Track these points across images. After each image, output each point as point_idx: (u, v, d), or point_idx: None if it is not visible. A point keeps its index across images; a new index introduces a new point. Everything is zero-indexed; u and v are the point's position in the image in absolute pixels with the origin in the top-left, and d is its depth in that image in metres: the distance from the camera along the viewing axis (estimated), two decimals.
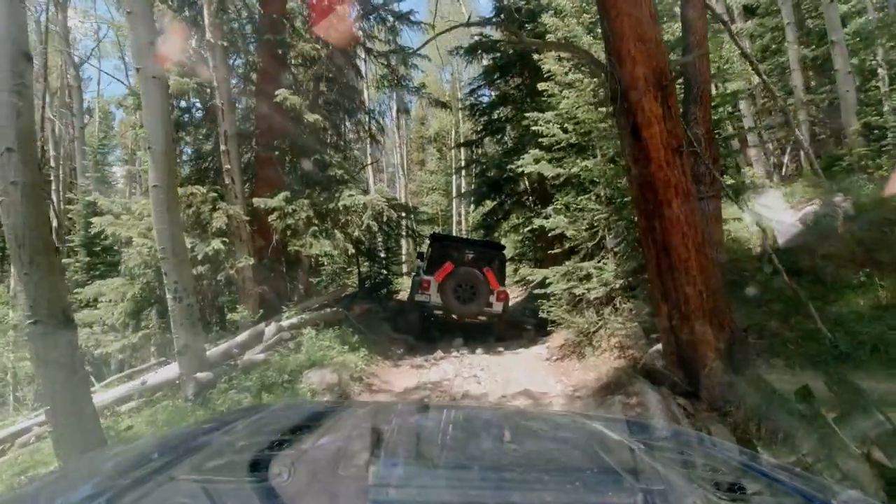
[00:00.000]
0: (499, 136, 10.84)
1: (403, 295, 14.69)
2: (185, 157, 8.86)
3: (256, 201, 7.23)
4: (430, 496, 0.67)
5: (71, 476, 0.83)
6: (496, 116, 11.00)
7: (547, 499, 0.66)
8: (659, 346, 5.63)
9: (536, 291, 9.61)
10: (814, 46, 10.97)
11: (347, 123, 10.48)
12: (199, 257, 6.67)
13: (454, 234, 25.91)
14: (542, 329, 10.32)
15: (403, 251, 23.89)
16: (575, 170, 7.46)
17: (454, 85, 36.50)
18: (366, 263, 13.44)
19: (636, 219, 4.42)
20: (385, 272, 13.25)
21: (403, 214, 10.94)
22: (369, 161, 14.29)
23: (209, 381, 4.64)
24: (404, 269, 23.63)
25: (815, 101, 11.14)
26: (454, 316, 8.59)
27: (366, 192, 7.84)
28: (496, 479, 0.74)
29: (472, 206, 11.32)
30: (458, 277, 8.20)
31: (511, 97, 10.55)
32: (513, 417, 1.30)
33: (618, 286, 7.09)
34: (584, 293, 7.10)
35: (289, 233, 7.74)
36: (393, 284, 13.59)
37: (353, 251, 12.07)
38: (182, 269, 4.76)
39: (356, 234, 7.59)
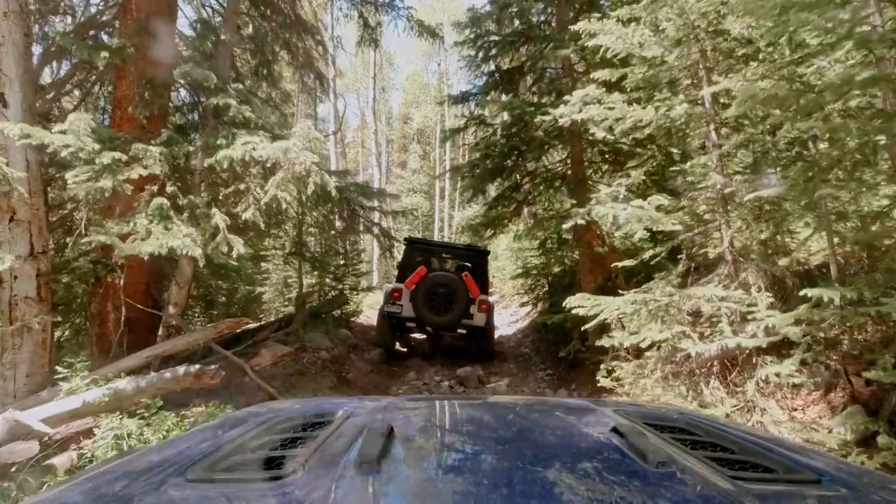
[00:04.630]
0: (511, 93, 7.23)
1: (366, 318, 10.89)
2: None
3: (4, 129, 3.40)
4: (445, 488, 0.65)
5: (81, 484, 0.72)
6: (508, 63, 7.43)
7: (560, 484, 0.64)
8: None
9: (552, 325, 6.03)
10: None
11: (283, 53, 6.77)
12: None
13: (438, 239, 22.22)
14: (565, 381, 6.80)
15: (375, 259, 20.04)
16: (679, 110, 3.90)
17: (441, 81, 33.22)
18: (314, 273, 9.62)
19: None
20: (339, 286, 9.42)
21: (374, 203, 7.20)
22: (331, 130, 10.46)
23: None
24: (375, 281, 19.71)
25: None
26: (429, 329, 7.35)
27: (275, 137, 4.08)
28: (510, 467, 0.71)
29: (466, 194, 7.66)
30: (431, 283, 6.88)
31: (532, 35, 6.97)
32: (525, 405, 1.18)
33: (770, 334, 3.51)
34: (700, 352, 3.50)
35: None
36: (351, 303, 9.76)
37: (282, 251, 8.36)
38: None
39: (249, 214, 3.82)
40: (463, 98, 7.03)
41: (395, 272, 8.42)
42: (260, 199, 3.82)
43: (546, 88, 6.73)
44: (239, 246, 3.76)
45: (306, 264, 8.46)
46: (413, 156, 33.60)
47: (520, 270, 9.91)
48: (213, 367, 3.74)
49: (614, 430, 0.82)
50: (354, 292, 9.97)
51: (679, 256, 4.28)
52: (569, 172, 6.99)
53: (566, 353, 6.04)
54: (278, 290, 12.91)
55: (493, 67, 7.64)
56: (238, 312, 10.88)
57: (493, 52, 7.22)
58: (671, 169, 5.15)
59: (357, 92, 32.56)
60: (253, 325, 8.25)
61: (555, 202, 7.08)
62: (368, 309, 12.57)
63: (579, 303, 3.88)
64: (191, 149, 4.00)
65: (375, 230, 7.33)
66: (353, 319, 9.77)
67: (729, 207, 4.13)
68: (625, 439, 0.77)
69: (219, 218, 3.82)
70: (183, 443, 0.86)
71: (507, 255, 13.28)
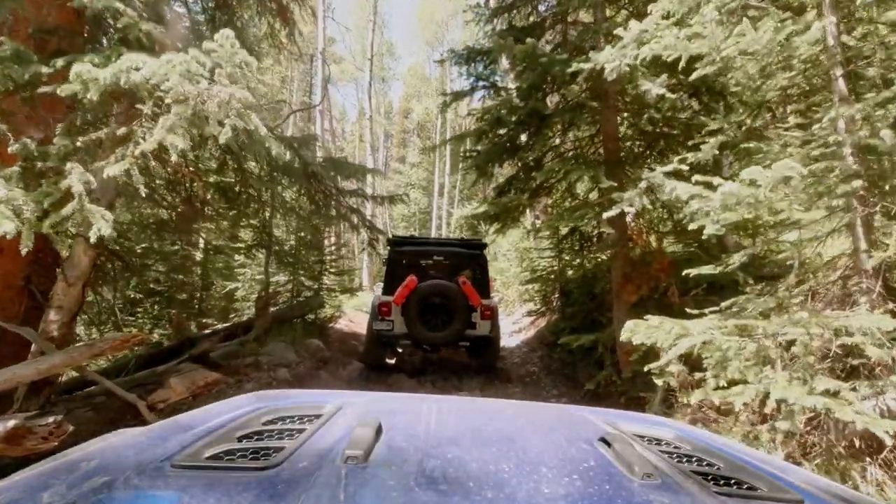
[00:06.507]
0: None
1: (348, 324, 9.42)
2: None
3: None
4: (430, 486, 0.64)
5: (67, 465, 0.71)
6: (525, 18, 6.00)
7: (545, 491, 0.64)
8: None
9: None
10: None
11: None
12: None
13: (433, 237, 20.67)
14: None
15: (365, 254, 18.51)
16: (813, 33, 2.45)
17: (443, 73, 31.65)
18: (287, 269, 8.16)
19: None
20: (315, 285, 7.96)
21: (353, 184, 5.75)
22: (317, 103, 8.98)
23: None
24: (365, 280, 18.21)
25: None
26: (426, 347, 6.46)
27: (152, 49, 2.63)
28: (495, 469, 0.70)
29: (470, 176, 6.21)
30: (424, 295, 5.89)
31: None
32: (510, 408, 1.19)
33: None
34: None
35: None
36: (329, 306, 8.29)
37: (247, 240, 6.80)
38: None
39: (118, 170, 2.37)
40: (469, 56, 5.59)
41: (382, 276, 7.15)
42: (135, 147, 2.36)
43: (575, 41, 5.29)
44: (102, 224, 2.30)
45: (273, 258, 7.03)
46: (412, 149, 32.08)
47: (528, 275, 8.46)
48: (51, 419, 2.28)
49: (602, 439, 0.82)
50: (334, 293, 8.52)
51: (789, 262, 2.86)
52: (599, 151, 5.56)
53: (595, 384, 4.61)
54: (252, 287, 11.48)
55: (505, 26, 6.20)
56: (214, 311, 9.45)
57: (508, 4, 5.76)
58: (742, 146, 3.74)
59: (356, 81, 31.08)
60: (208, 331, 6.82)
61: (576, 189, 5.66)
62: (352, 311, 11.12)
63: (650, 332, 2.44)
64: (47, 70, 2.54)
65: (355, 218, 5.87)
66: (330, 325, 8.31)
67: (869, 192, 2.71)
68: (612, 449, 0.77)
69: (76, 178, 2.36)
70: (170, 428, 0.85)
71: (510, 255, 11.84)
